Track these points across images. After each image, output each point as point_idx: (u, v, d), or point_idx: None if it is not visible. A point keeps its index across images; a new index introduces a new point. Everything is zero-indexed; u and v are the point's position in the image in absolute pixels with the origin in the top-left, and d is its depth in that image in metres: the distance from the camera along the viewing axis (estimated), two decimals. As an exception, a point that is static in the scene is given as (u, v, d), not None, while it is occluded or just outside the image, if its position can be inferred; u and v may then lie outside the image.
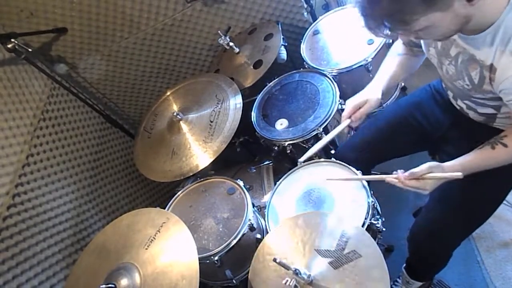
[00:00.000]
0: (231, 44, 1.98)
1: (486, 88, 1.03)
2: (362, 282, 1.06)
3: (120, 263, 1.26)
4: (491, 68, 0.96)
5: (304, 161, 1.50)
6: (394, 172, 1.14)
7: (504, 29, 0.91)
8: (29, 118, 1.82)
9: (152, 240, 1.26)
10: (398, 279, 1.63)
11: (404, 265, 1.59)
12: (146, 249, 1.25)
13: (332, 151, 1.71)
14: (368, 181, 1.41)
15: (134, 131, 2.44)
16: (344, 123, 1.34)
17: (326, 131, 1.64)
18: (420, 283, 1.57)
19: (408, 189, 1.12)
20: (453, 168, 1.08)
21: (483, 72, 0.99)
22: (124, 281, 1.19)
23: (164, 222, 1.29)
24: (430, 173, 1.08)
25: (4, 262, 1.47)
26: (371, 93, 1.33)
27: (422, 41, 1.22)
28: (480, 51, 0.97)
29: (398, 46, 1.40)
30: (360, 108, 1.33)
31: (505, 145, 1.05)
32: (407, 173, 1.11)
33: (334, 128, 1.38)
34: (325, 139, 1.39)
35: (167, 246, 1.23)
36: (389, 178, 1.15)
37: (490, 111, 1.15)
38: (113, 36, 2.16)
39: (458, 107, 1.28)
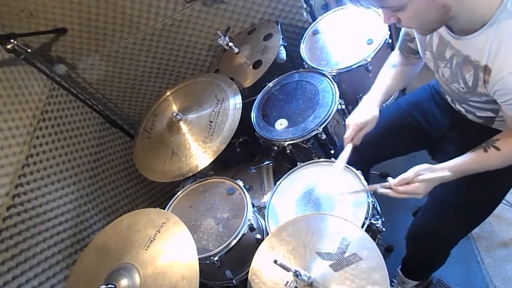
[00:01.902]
0: (230, 44, 1.98)
1: (480, 91, 1.02)
2: (362, 284, 1.06)
3: (120, 263, 1.26)
4: (486, 69, 0.95)
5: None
6: (385, 184, 1.15)
7: (498, 28, 0.89)
8: (29, 119, 1.82)
9: (152, 240, 1.26)
10: (394, 279, 1.63)
11: (400, 266, 1.59)
12: (146, 249, 1.25)
13: (332, 151, 1.71)
14: (368, 181, 1.41)
15: (134, 132, 2.43)
16: (348, 147, 1.33)
17: (326, 131, 1.64)
18: (416, 282, 1.57)
19: (402, 197, 1.11)
20: (443, 170, 1.08)
21: (478, 73, 0.98)
22: (124, 282, 1.19)
23: (164, 223, 1.29)
24: (420, 176, 1.08)
25: (4, 263, 1.47)
26: (370, 113, 1.31)
27: (418, 45, 1.22)
28: (474, 51, 0.97)
29: (395, 57, 1.40)
30: (361, 129, 1.32)
31: (497, 149, 1.05)
32: (396, 180, 1.11)
33: (342, 152, 1.35)
34: (338, 164, 1.36)
35: (167, 247, 1.23)
36: (380, 189, 1.16)
37: (489, 114, 1.14)
38: (112, 36, 2.16)
39: (457, 110, 1.28)
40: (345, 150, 1.33)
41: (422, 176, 1.08)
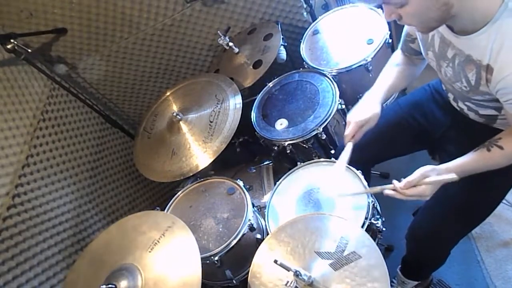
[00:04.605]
0: (230, 44, 1.98)
1: (482, 90, 1.03)
2: (362, 282, 1.06)
3: (122, 263, 1.26)
4: (488, 69, 0.96)
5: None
6: (390, 186, 1.14)
7: (499, 28, 0.90)
8: (29, 119, 1.82)
9: (156, 243, 1.25)
10: (393, 279, 1.63)
11: (400, 266, 1.59)
12: (150, 252, 1.25)
13: (332, 151, 1.71)
14: (368, 181, 1.41)
15: (134, 132, 2.43)
16: (349, 146, 1.32)
17: (326, 131, 1.64)
18: (416, 282, 1.57)
19: (408, 199, 1.11)
20: (448, 171, 1.07)
21: (480, 72, 0.99)
22: (124, 283, 1.18)
23: (169, 226, 1.28)
24: (426, 178, 1.07)
25: (4, 263, 1.47)
26: (371, 110, 1.30)
27: (420, 45, 1.22)
28: (476, 50, 0.97)
29: (397, 57, 1.40)
30: (362, 126, 1.31)
31: (501, 148, 1.05)
32: (402, 183, 1.10)
33: (342, 152, 1.34)
34: (339, 164, 1.34)
35: (171, 251, 1.22)
36: (387, 191, 1.15)
37: (491, 112, 1.15)
38: (112, 36, 2.16)
39: (458, 109, 1.28)
40: (346, 149, 1.33)
41: (428, 178, 1.07)
